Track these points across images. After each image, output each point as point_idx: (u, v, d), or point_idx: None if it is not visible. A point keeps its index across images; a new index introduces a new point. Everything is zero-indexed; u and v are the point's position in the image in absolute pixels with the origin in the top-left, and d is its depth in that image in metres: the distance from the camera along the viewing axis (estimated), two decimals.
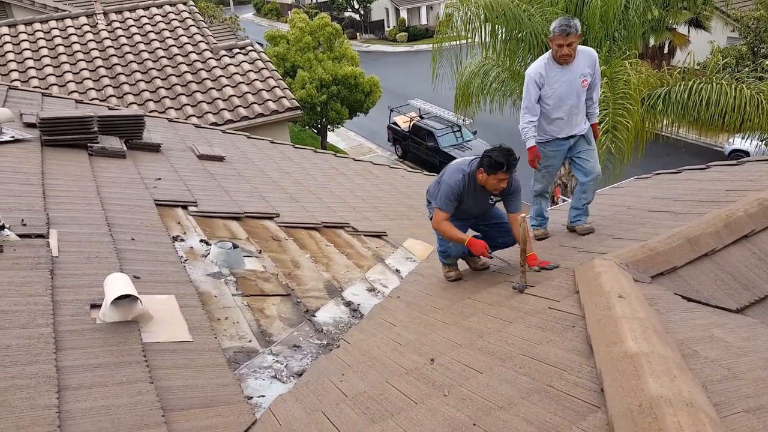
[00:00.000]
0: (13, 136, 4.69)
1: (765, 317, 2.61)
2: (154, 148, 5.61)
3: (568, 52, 3.64)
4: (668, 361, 1.73)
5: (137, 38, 10.03)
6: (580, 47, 3.78)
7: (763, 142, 10.24)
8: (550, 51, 3.76)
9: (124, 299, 2.53)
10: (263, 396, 2.50)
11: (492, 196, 3.55)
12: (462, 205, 3.52)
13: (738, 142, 14.04)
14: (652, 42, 18.03)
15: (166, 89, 9.17)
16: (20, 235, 3.01)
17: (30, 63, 9.14)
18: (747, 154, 13.08)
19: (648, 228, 3.64)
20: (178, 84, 9.27)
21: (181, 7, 11.11)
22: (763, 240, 3.06)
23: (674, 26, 18.05)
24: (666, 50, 19.98)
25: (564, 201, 5.14)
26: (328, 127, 18.89)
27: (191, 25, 10.61)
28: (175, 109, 8.82)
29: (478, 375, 2.20)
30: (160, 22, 10.54)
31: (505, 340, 2.45)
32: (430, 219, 3.73)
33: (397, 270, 4.41)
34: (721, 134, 10.55)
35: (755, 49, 16.71)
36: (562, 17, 3.70)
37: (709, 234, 2.97)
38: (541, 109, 3.84)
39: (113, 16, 10.55)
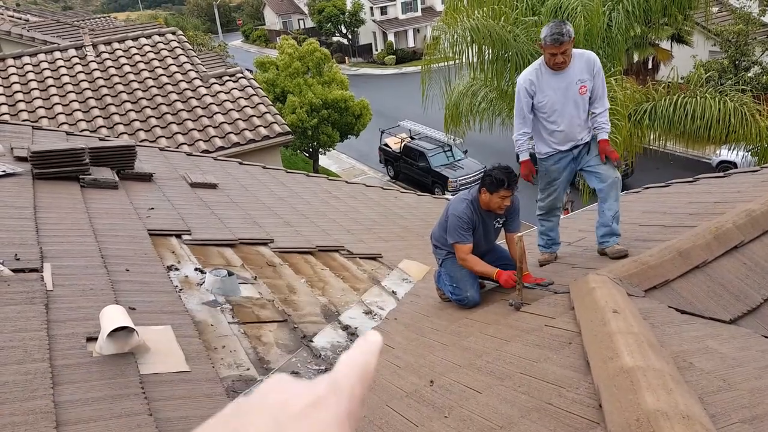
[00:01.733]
0: (4, 171, 4.69)
1: (758, 327, 2.64)
2: (146, 177, 5.61)
3: (563, 60, 3.33)
4: (664, 374, 1.74)
5: (127, 68, 10.10)
6: (577, 51, 3.44)
7: (750, 152, 10.40)
8: (542, 56, 3.44)
9: (121, 331, 2.52)
10: None
11: (498, 219, 3.51)
12: (474, 235, 3.44)
13: (725, 154, 14.27)
14: (636, 58, 18.37)
15: (157, 118, 9.21)
16: (14, 270, 2.99)
17: (19, 96, 9.17)
18: (734, 164, 13.26)
19: (639, 242, 3.68)
20: (169, 113, 9.31)
21: (170, 36, 11.23)
22: (752, 251, 3.10)
23: (657, 42, 18.47)
24: (650, 65, 20.37)
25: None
26: (320, 150, 19.02)
27: (180, 54, 10.70)
28: (166, 138, 8.85)
29: (477, 395, 2.21)
30: (149, 52, 10.63)
31: (503, 359, 2.46)
32: (440, 265, 3.67)
33: (393, 292, 4.41)
34: (708, 146, 10.72)
35: (737, 62, 17.06)
36: (553, 23, 3.33)
37: (699, 246, 3.01)
38: (539, 120, 3.54)
39: (102, 48, 10.62)
